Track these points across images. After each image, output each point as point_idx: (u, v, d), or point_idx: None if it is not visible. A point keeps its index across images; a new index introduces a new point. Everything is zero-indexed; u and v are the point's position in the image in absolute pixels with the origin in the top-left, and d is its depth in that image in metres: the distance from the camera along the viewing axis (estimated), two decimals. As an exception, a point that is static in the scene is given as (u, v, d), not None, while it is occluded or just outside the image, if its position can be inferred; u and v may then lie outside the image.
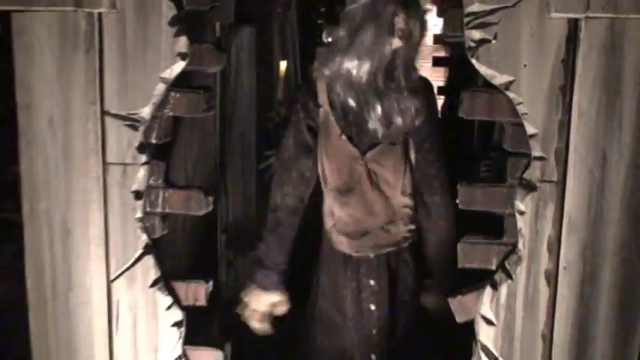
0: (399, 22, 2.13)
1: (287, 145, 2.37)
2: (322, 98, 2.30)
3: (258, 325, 2.40)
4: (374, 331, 2.37)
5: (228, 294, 4.09)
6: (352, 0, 2.20)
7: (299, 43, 4.17)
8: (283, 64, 3.60)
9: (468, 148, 3.30)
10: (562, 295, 1.85)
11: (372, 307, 2.37)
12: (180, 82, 1.96)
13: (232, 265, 4.06)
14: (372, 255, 2.36)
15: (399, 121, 2.21)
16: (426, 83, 2.32)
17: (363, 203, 2.34)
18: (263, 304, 2.39)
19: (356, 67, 2.16)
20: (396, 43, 2.14)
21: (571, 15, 1.72)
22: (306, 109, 2.32)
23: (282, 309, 2.42)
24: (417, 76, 2.26)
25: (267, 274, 2.38)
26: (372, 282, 2.37)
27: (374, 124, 2.22)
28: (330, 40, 2.30)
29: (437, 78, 4.58)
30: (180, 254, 2.56)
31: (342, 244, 2.39)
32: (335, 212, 2.38)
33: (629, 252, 1.80)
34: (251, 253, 2.53)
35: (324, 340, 2.46)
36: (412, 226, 2.35)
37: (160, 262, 2.01)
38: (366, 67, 2.15)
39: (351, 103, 2.22)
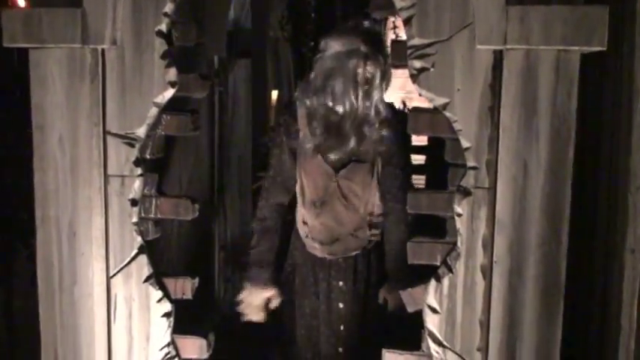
0: (361, 73, 2.49)
1: (272, 164, 2.73)
2: (302, 124, 2.65)
3: (255, 317, 2.75)
4: (341, 327, 2.70)
5: (227, 308, 4.38)
6: (323, 48, 2.56)
7: (293, 74, 4.52)
8: (275, 94, 3.94)
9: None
10: (495, 286, 2.15)
11: (341, 305, 2.69)
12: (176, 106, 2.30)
13: (230, 281, 4.38)
14: (340, 259, 2.70)
15: (366, 145, 2.57)
16: (393, 116, 2.67)
17: (334, 214, 2.69)
18: (258, 299, 2.74)
19: (332, 108, 2.52)
20: (360, 90, 2.49)
21: (492, 47, 2.05)
22: (288, 133, 2.67)
23: (275, 302, 2.77)
24: (386, 110, 2.61)
25: (259, 272, 2.74)
26: (340, 283, 2.70)
27: (346, 146, 2.57)
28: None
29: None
30: (174, 260, 2.88)
31: (315, 249, 2.73)
32: (309, 222, 2.72)
33: (549, 247, 2.09)
34: (245, 257, 2.87)
35: (302, 332, 2.79)
36: (376, 231, 2.69)
37: (152, 261, 2.32)
38: (339, 108, 2.51)
39: (327, 129, 2.57)
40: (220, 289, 4.33)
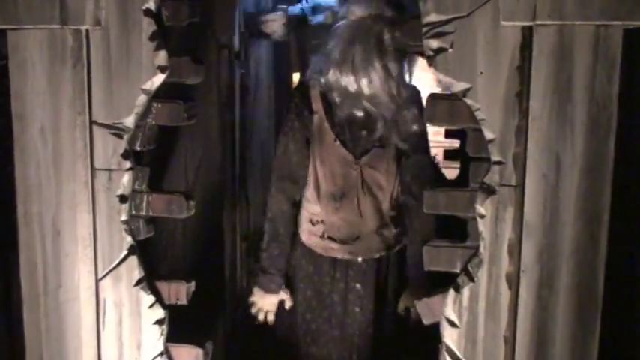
0: (387, 40, 2.22)
1: (279, 156, 2.49)
2: (316, 105, 2.41)
3: (265, 320, 2.62)
4: (357, 332, 2.46)
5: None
6: (341, 17, 2.31)
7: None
8: (296, 76, 3.73)
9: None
10: (522, 298, 1.88)
11: (357, 310, 2.46)
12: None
13: (252, 272, 4.17)
14: (360, 259, 2.45)
15: (396, 131, 2.32)
16: (416, 92, 2.41)
17: (356, 208, 2.44)
18: (269, 304, 2.58)
19: (353, 82, 2.25)
20: (386, 60, 2.23)
21: (519, 23, 1.77)
22: (301, 118, 2.42)
23: (287, 304, 2.60)
24: (410, 85, 2.36)
25: (271, 279, 2.53)
26: (358, 285, 2.46)
27: (379, 132, 2.32)
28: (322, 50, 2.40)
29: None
30: (179, 257, 2.68)
31: (333, 249, 2.48)
32: (325, 219, 2.47)
33: (585, 255, 1.81)
34: (254, 264, 2.72)
35: (308, 344, 2.55)
36: (400, 229, 2.43)
37: (145, 263, 2.12)
38: (364, 81, 2.25)
39: (354, 112, 2.32)
40: (243, 281, 4.14)
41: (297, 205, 2.53)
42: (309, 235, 2.52)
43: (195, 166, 2.80)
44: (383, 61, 2.25)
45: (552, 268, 1.84)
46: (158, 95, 2.10)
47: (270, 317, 2.61)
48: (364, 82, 2.26)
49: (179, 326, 2.22)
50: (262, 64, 3.95)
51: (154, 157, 2.39)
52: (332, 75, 2.30)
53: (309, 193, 2.49)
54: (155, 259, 2.50)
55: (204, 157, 2.87)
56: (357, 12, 2.26)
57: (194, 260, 2.82)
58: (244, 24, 3.85)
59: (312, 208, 2.49)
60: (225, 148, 3.10)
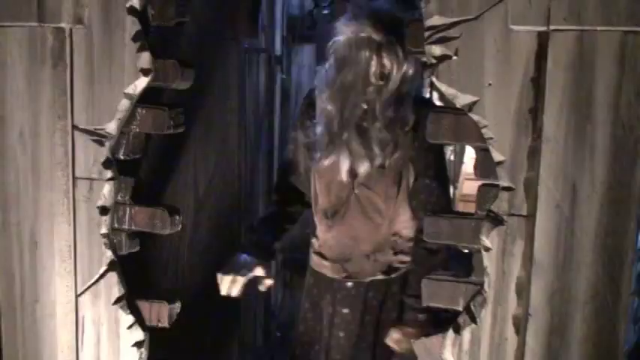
0: (374, 65, 2.04)
1: (286, 162, 2.36)
2: (320, 117, 2.24)
3: (232, 291, 2.17)
4: (338, 357, 2.26)
5: (285, 314, 4.05)
6: (338, 31, 2.13)
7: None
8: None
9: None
10: (529, 347, 1.62)
11: (341, 335, 2.28)
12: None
13: (288, 285, 4.01)
14: (349, 284, 2.25)
15: (399, 149, 2.12)
16: (430, 105, 2.21)
17: (349, 229, 2.26)
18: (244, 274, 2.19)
19: (339, 107, 2.11)
20: (373, 86, 2.07)
21: (530, 28, 1.51)
22: (304, 127, 2.28)
23: (267, 282, 2.24)
24: (416, 110, 2.13)
25: (256, 243, 2.28)
26: (345, 310, 2.27)
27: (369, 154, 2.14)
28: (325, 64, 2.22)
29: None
30: (186, 273, 2.52)
31: (324, 267, 2.31)
32: (320, 235, 2.31)
33: (604, 300, 1.54)
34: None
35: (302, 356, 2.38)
36: (405, 257, 2.20)
37: (124, 280, 1.96)
38: (346, 113, 2.11)
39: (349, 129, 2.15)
40: (279, 294, 4.00)
41: (304, 204, 2.37)
42: (313, 248, 2.35)
43: (208, 176, 2.65)
44: (370, 87, 2.06)
45: (565, 314, 1.58)
46: (162, 101, 1.96)
47: (234, 291, 2.15)
48: (347, 113, 2.09)
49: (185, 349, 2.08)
50: (304, 69, 3.80)
51: (156, 165, 2.25)
52: (328, 94, 2.15)
53: (312, 205, 2.33)
54: (155, 275, 2.36)
55: (218, 167, 2.71)
56: (345, 31, 2.08)
57: (203, 276, 2.66)
58: (287, 28, 3.70)
59: (313, 222, 2.33)
60: (240, 157, 2.94)
